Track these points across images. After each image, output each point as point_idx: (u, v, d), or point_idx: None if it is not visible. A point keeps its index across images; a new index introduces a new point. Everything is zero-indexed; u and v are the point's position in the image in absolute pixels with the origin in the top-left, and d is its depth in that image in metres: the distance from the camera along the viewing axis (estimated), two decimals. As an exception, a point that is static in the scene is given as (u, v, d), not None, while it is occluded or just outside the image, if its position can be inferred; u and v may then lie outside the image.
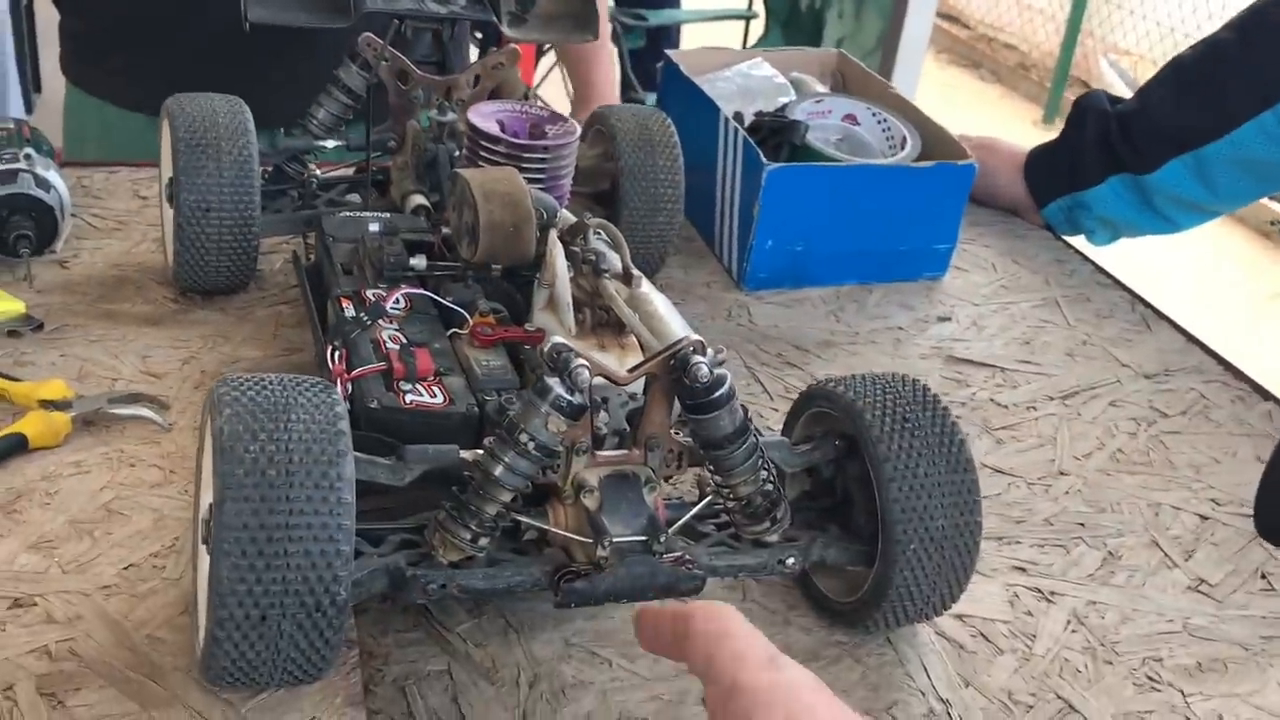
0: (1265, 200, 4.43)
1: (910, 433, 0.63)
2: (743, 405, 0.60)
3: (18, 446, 0.70)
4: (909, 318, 1.01)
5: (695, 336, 0.60)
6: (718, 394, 0.59)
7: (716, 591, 0.69)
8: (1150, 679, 0.67)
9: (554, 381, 0.56)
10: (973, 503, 0.63)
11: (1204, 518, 0.80)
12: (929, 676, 0.66)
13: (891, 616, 0.65)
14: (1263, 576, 0.76)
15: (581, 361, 0.56)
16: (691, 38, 3.17)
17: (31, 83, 2.07)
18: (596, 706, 0.62)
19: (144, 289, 0.89)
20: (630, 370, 0.60)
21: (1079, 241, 1.19)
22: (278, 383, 0.55)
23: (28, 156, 0.88)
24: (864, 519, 0.65)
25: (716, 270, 1.05)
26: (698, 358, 0.58)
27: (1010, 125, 4.66)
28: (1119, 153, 1.11)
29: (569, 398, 0.56)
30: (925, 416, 0.64)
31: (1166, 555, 0.77)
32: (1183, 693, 0.66)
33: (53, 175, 0.88)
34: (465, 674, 0.63)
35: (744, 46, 2.96)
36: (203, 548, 0.57)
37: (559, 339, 0.58)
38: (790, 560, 0.64)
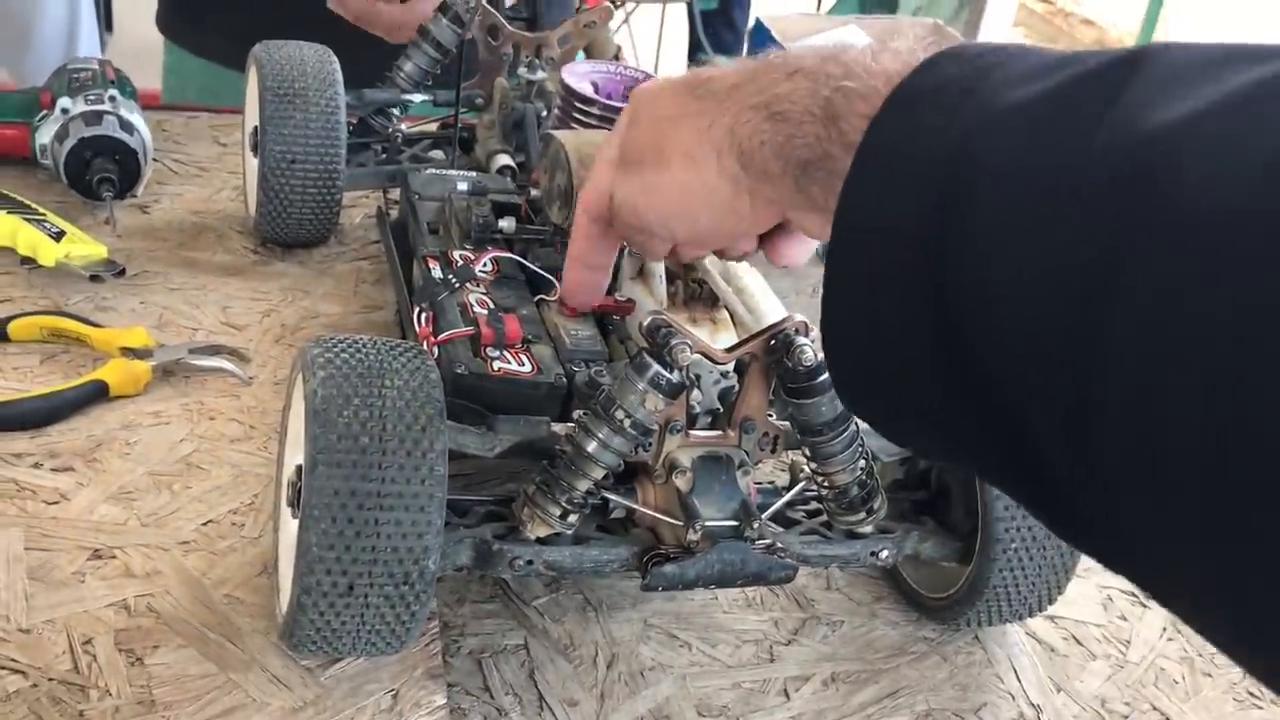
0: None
1: (1017, 427, 0.60)
2: (845, 391, 0.58)
3: (99, 394, 0.69)
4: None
5: (799, 317, 0.57)
6: (822, 378, 0.56)
7: (801, 579, 0.67)
8: (1252, 695, 0.64)
9: (652, 360, 0.54)
10: (1079, 504, 0.60)
11: (1308, 527, 0.77)
12: (1019, 679, 0.64)
13: (985, 616, 0.62)
14: (1370, 593, 0.72)
15: (682, 338, 0.54)
16: (763, 1, 3.12)
17: (103, 22, 2.07)
18: (675, 691, 0.60)
19: (224, 238, 0.88)
20: (729, 349, 0.58)
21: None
22: (372, 346, 0.53)
23: (112, 98, 0.87)
24: (962, 514, 0.63)
25: (801, 244, 1.03)
26: (802, 339, 0.56)
27: (1085, 104, 4.53)
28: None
29: (668, 375, 0.54)
30: (1033, 411, 0.61)
31: (1268, 565, 0.73)
32: (1286, 712, 0.64)
33: (136, 118, 0.87)
34: (542, 649, 0.61)
35: (817, 10, 2.90)
36: (287, 510, 0.55)
37: (658, 312, 0.55)
38: (884, 553, 0.61)
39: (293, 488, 0.54)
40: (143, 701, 0.52)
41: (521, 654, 0.61)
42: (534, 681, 0.60)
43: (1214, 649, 0.63)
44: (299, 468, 0.53)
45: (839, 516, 0.61)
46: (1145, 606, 0.69)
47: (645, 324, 0.55)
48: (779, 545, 0.59)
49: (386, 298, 0.84)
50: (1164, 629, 0.68)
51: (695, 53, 3.22)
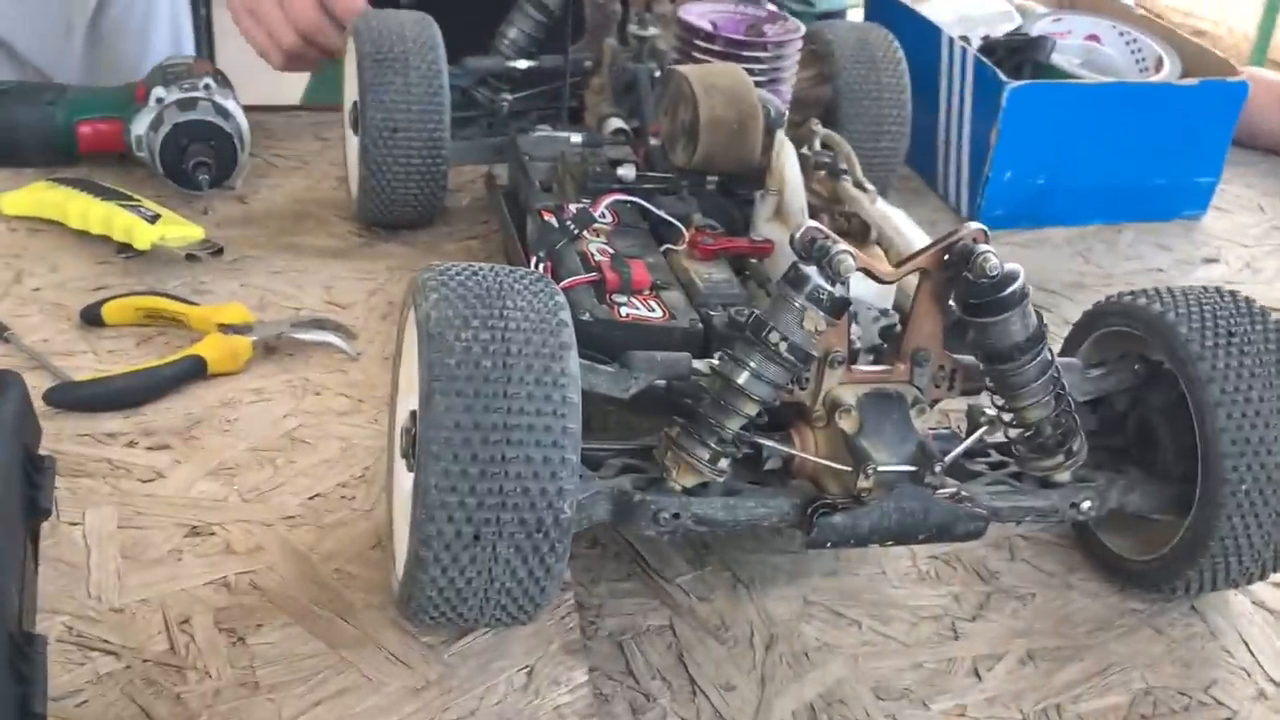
0: None
1: (1240, 350, 0.51)
2: (1037, 310, 0.50)
3: (196, 370, 0.64)
4: (1169, 259, 0.88)
5: (976, 225, 0.49)
6: (1010, 290, 0.48)
7: (979, 550, 0.59)
8: None
9: (811, 270, 0.47)
10: (1323, 435, 0.51)
11: None
12: (1252, 652, 0.54)
13: (1208, 576, 0.53)
14: None
15: (844, 246, 0.47)
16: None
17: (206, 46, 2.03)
18: (847, 673, 0.52)
19: (326, 223, 0.83)
20: (898, 265, 0.50)
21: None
22: (490, 270, 0.47)
23: (207, 86, 0.83)
24: (1173, 457, 0.54)
25: (940, 207, 0.94)
26: (984, 247, 0.48)
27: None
28: None
29: (829, 288, 0.46)
30: (1256, 331, 0.52)
31: None
32: None
33: (232, 104, 0.83)
34: (690, 630, 0.54)
35: None
36: (401, 464, 0.49)
37: (813, 223, 0.48)
38: (1086, 504, 0.53)
39: (407, 435, 0.47)
40: (245, 683, 0.46)
41: (667, 635, 0.53)
42: (683, 664, 0.52)
43: None
44: (413, 412, 0.46)
45: (1031, 462, 0.52)
46: (1393, 570, 0.59)
47: (799, 235, 0.47)
48: (966, 495, 0.50)
49: (497, 274, 0.78)
50: None
51: None
